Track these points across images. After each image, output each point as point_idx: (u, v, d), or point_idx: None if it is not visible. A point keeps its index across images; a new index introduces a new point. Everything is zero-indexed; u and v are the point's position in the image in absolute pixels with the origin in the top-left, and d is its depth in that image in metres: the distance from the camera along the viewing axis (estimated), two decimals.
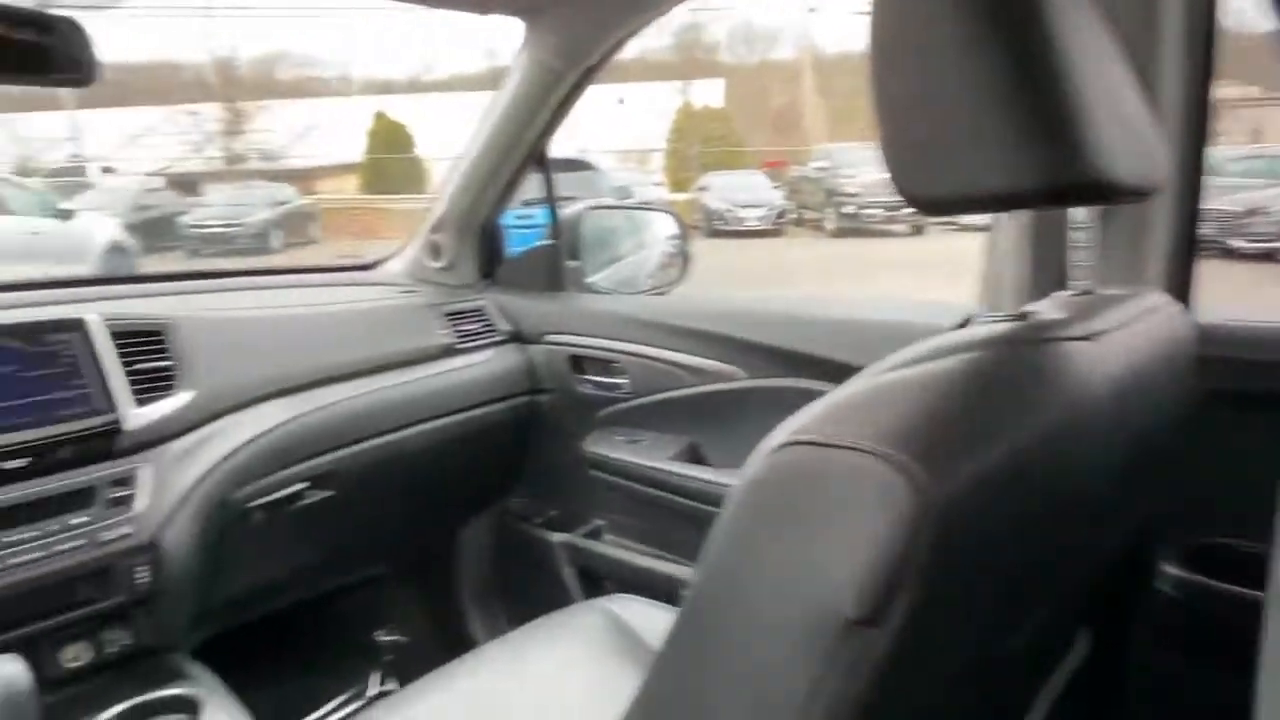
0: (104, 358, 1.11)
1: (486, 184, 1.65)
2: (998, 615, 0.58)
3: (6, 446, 1.00)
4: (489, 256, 1.76)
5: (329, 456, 1.35)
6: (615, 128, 25.14)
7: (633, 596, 1.29)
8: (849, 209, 14.37)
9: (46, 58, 0.92)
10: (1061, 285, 1.01)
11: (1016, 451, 0.55)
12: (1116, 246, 1.00)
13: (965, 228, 7.87)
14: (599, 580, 1.62)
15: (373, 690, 1.79)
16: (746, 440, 1.38)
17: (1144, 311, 0.75)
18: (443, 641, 1.87)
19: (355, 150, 22.47)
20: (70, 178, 18.32)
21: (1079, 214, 0.99)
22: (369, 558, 1.74)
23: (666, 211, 2.09)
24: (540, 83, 1.48)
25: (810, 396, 1.28)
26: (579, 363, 1.62)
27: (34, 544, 0.99)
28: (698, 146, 24.71)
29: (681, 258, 1.94)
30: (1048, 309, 0.72)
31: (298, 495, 1.32)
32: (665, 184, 21.31)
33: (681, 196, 18.36)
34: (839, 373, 1.26)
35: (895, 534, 0.47)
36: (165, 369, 1.17)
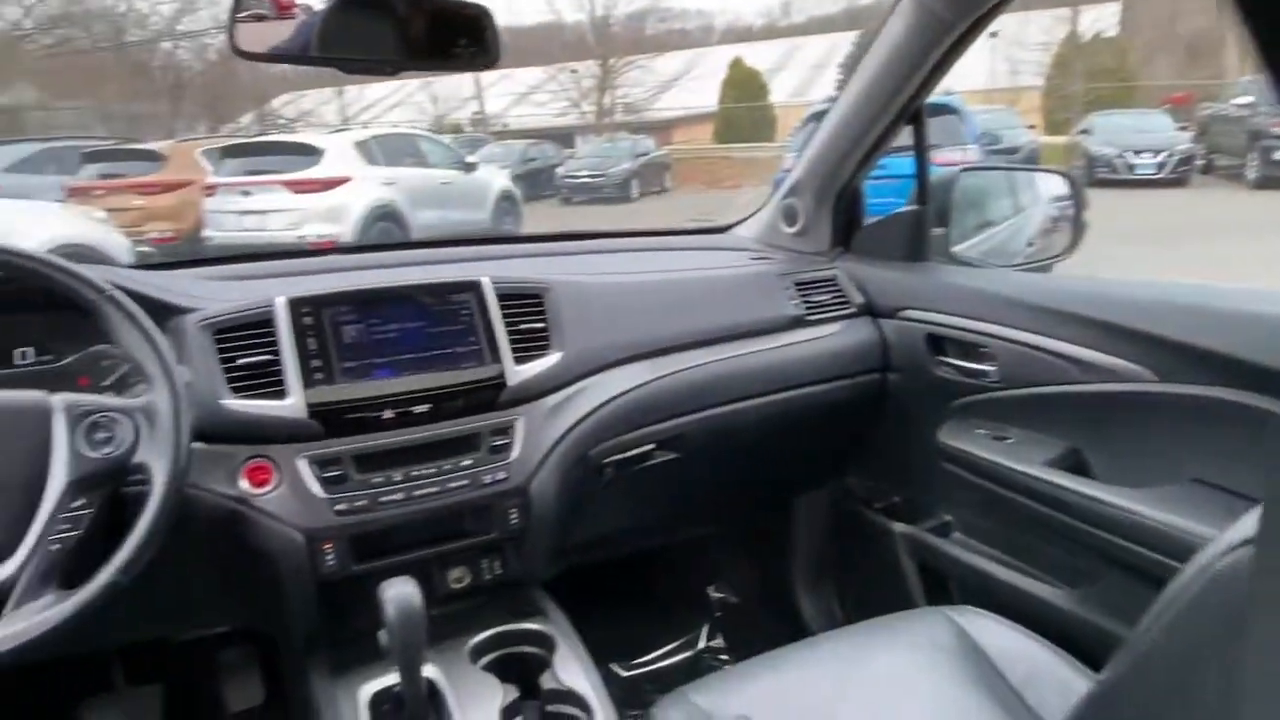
0: (494, 317, 1.22)
1: (852, 145, 1.55)
2: None
3: (416, 392, 1.14)
4: (846, 223, 1.66)
5: (677, 421, 1.38)
6: (985, 65, 23.02)
7: (982, 611, 1.16)
8: None
9: (457, 45, 1.00)
10: None
11: None
12: None
13: None
14: (943, 581, 1.49)
15: (701, 643, 1.85)
16: (1152, 457, 1.16)
17: None
18: (771, 608, 1.87)
19: (710, 100, 23.13)
20: (473, 132, 21.16)
21: None
22: (707, 518, 1.78)
23: (1056, 172, 1.82)
24: (923, 33, 1.33)
25: (1248, 414, 1.03)
26: (938, 342, 1.47)
27: (431, 480, 1.13)
28: (1080, 83, 21.76)
29: (1073, 225, 1.68)
30: None
31: (647, 455, 1.37)
32: (1039, 126, 19.13)
33: (1059, 140, 16.38)
34: None
35: None
36: (541, 330, 1.26)
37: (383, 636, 0.92)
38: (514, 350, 1.21)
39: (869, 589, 1.70)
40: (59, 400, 0.89)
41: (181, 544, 0.97)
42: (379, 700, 1.03)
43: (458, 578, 1.22)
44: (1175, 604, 0.49)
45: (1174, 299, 1.19)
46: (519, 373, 1.21)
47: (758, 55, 25.31)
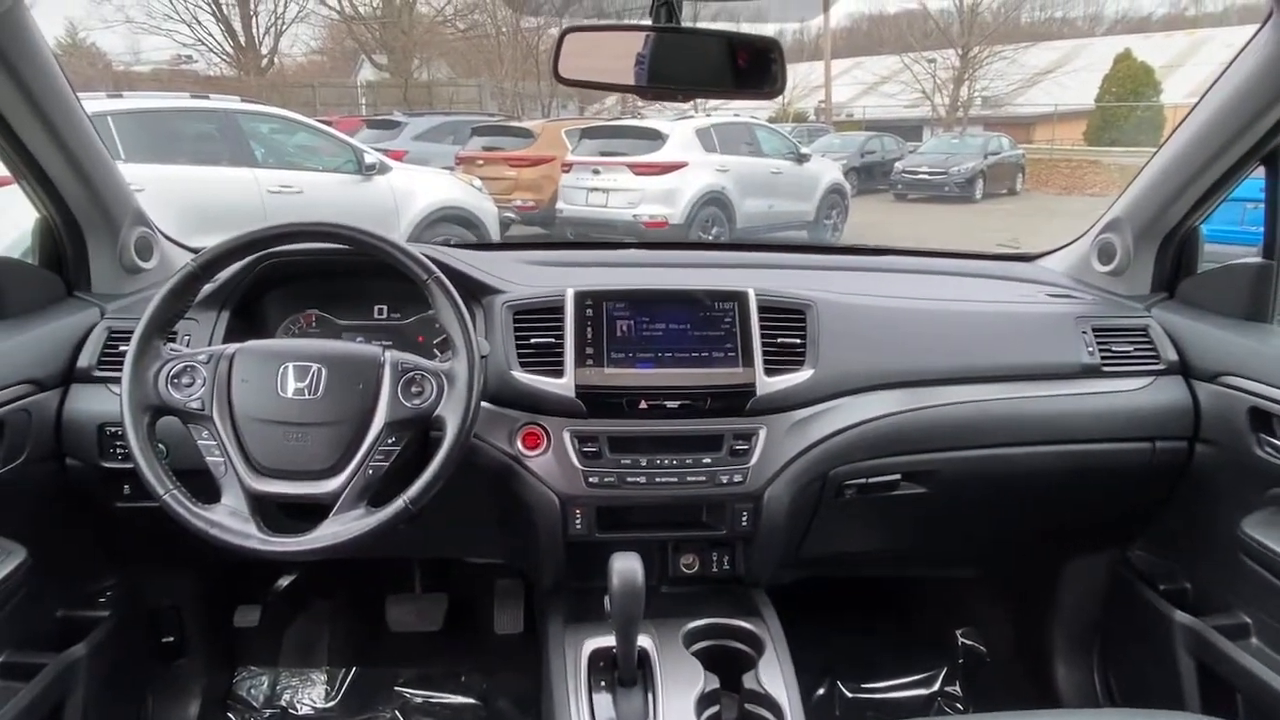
0: (753, 327, 1.28)
1: (1188, 181, 1.37)
2: None
3: (670, 388, 1.25)
4: (1174, 267, 1.47)
5: (931, 455, 1.34)
6: None
7: None
8: None
9: (749, 75, 1.07)
10: None
11: None
12: None
13: None
14: (1228, 691, 1.30)
15: (938, 685, 1.78)
16: None
17: None
18: (1022, 668, 1.74)
19: (1087, 97, 20.77)
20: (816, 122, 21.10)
21: None
22: (961, 560, 1.70)
23: None
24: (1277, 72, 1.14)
25: None
26: (1264, 419, 1.26)
27: (673, 470, 1.23)
28: None
29: None
30: None
31: (892, 485, 1.35)
32: None
33: None
34: None
35: None
36: (798, 345, 1.30)
37: (607, 602, 1.04)
38: (767, 361, 1.26)
39: (1136, 676, 1.52)
40: (390, 356, 1.11)
41: (468, 486, 1.16)
42: (597, 657, 1.15)
43: (689, 563, 1.32)
44: None
45: None
46: (769, 383, 1.26)
47: (1153, 48, 22.19)
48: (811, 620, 1.40)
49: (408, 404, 1.09)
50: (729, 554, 1.31)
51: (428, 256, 1.14)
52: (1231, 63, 1.25)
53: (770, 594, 1.31)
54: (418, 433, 1.12)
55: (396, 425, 1.08)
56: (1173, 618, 1.39)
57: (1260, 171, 1.33)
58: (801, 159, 9.70)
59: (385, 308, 1.42)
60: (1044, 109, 21.66)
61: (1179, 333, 1.41)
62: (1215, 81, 1.29)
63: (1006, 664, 1.77)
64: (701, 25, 1.07)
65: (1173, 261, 1.47)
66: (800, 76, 24.61)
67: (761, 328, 1.27)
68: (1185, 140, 1.35)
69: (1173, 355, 1.40)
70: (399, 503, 1.05)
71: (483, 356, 1.15)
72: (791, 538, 1.33)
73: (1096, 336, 1.40)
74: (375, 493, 1.07)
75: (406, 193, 6.28)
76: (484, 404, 1.20)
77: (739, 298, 1.29)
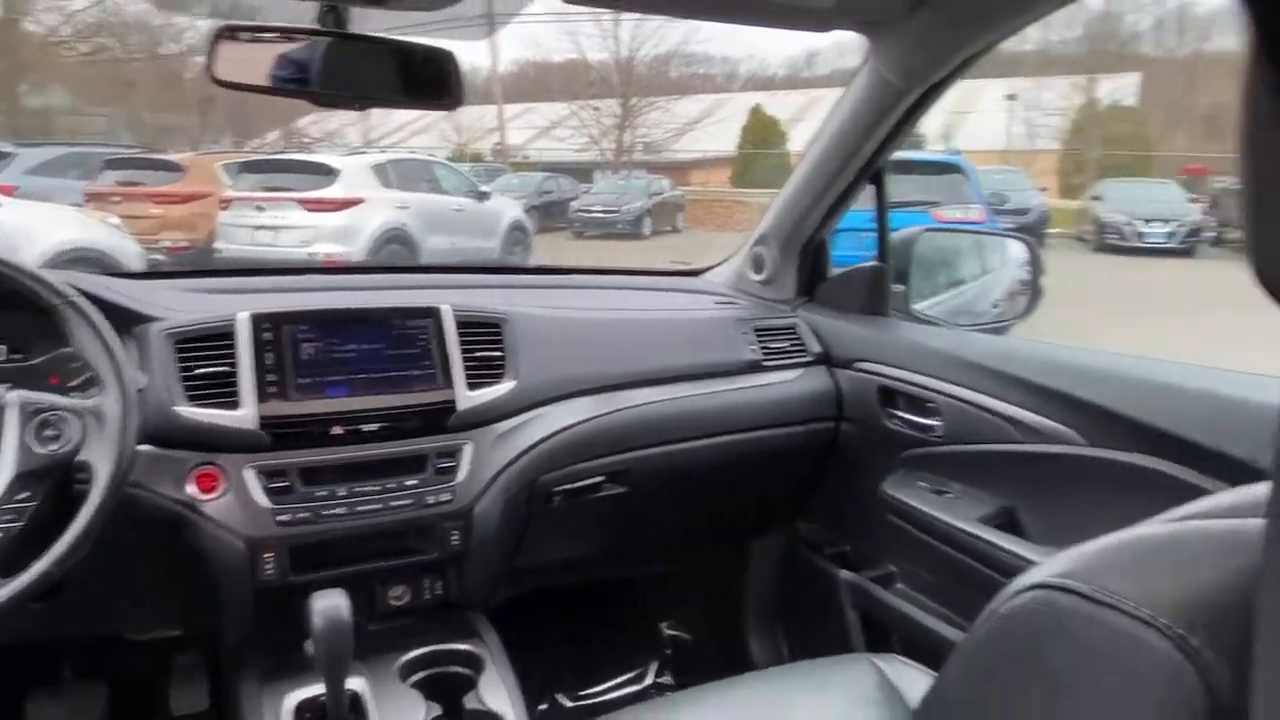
0: (450, 343, 1.26)
1: (815, 201, 1.60)
2: None
3: (367, 411, 1.19)
4: (810, 274, 1.71)
5: (627, 455, 1.41)
6: (1002, 126, 23.22)
7: (910, 662, 1.18)
8: None
9: (423, 86, 1.06)
10: None
11: None
12: None
13: None
14: (885, 632, 1.51)
15: (650, 679, 1.86)
16: (1078, 517, 1.18)
17: None
18: (721, 648, 1.88)
19: (730, 144, 23.40)
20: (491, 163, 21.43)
21: None
22: (659, 554, 1.80)
23: (1018, 237, 1.87)
24: (879, 99, 1.39)
25: (1169, 483, 1.05)
26: (889, 395, 1.51)
27: (375, 497, 1.17)
28: (1097, 149, 21.94)
29: (1031, 290, 1.73)
30: None
31: (596, 487, 1.40)
32: (1051, 189, 19.26)
33: (1071, 204, 16.50)
34: (1211, 462, 1.02)
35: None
36: (497, 358, 1.30)
37: (309, 646, 0.95)
38: (468, 376, 1.26)
39: (814, 633, 1.72)
40: (14, 396, 0.93)
41: (126, 543, 1.01)
42: (303, 709, 1.05)
43: (397, 595, 1.25)
44: (964, 650, 0.52)
45: (1105, 366, 1.23)
46: (470, 398, 1.25)
47: (778, 104, 25.66)
48: (531, 635, 1.40)
49: (41, 450, 0.92)
50: (441, 579, 1.27)
51: (61, 281, 0.98)
52: (840, 100, 1.48)
53: (489, 616, 1.30)
54: (56, 484, 0.95)
55: (29, 477, 0.91)
56: (838, 576, 1.59)
57: (867, 203, 1.60)
58: (482, 196, 9.81)
59: (3, 348, 1.19)
60: (697, 154, 24.08)
61: (820, 328, 1.64)
62: (829, 115, 1.53)
63: (706, 645, 1.91)
64: (371, 33, 1.05)
65: (810, 269, 1.70)
66: (474, 119, 24.93)
67: (460, 343, 1.26)
68: (811, 165, 1.57)
69: (817, 348, 1.62)
70: (39, 567, 0.88)
71: (139, 390, 1.01)
72: (505, 551, 1.32)
73: (758, 336, 1.58)
74: (8, 560, 0.89)
75: (21, 233, 5.34)
76: (143, 447, 1.05)
77: (434, 314, 1.27)
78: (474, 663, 1.18)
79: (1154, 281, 10.90)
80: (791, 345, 1.60)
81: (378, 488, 1.17)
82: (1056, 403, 1.24)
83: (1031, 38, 24.24)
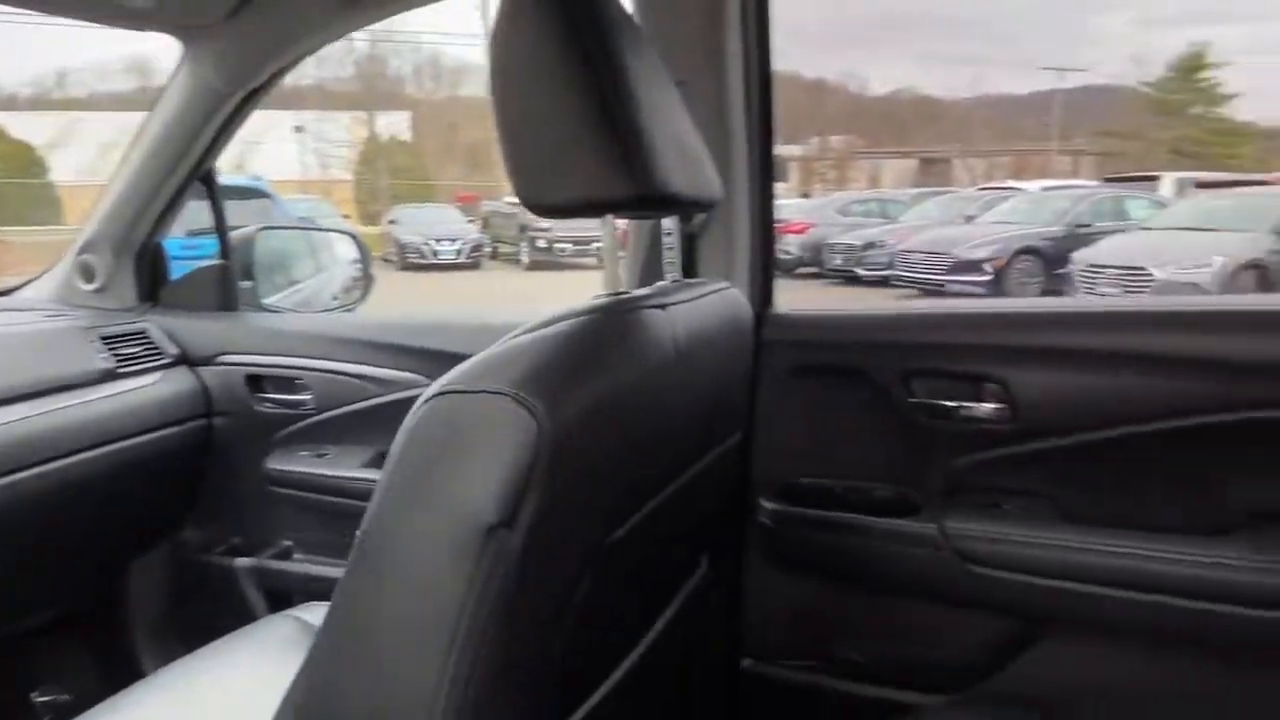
0: None
1: (145, 204, 1.59)
2: (611, 516, 0.75)
3: None
4: (150, 278, 1.68)
5: None
6: (295, 156, 23.70)
7: (325, 603, 1.32)
8: (541, 243, 14.87)
9: None
10: (660, 278, 1.24)
11: (617, 391, 0.72)
12: (712, 252, 1.26)
13: None
14: (289, 599, 1.61)
15: None
16: None
17: (709, 293, 0.99)
18: (118, 689, 1.72)
19: None
20: None
21: (669, 224, 1.23)
22: (30, 604, 1.57)
23: (345, 233, 2.13)
24: (201, 102, 1.47)
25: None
26: (257, 382, 1.61)
27: None
28: (386, 179, 24.16)
29: (364, 279, 2.00)
30: (641, 291, 0.92)
31: None
32: (353, 216, 20.52)
33: (373, 230, 17.85)
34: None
35: (521, 454, 0.62)
36: None
37: None
38: None
39: (220, 633, 1.71)
40: None
41: None
42: None
43: None
44: (387, 472, 0.71)
45: (433, 320, 1.55)
46: None
47: (27, 127, 21.75)
48: None
49: None
50: None
51: None
52: (160, 103, 1.51)
53: None
54: None
55: None
56: (235, 568, 1.62)
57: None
58: None
59: None
60: None
61: (174, 330, 1.63)
62: (148, 118, 1.53)
63: (101, 699, 1.72)
64: None
65: (150, 272, 1.67)
66: None
67: None
68: (135, 168, 1.56)
69: (174, 349, 1.61)
70: None
71: None
72: None
73: (106, 344, 1.50)
74: None
75: None
76: None
77: None
78: None
79: (453, 287, 12.70)
80: (145, 350, 1.57)
81: None
82: (404, 355, 1.52)
83: (310, 74, 25.34)
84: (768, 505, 1.26)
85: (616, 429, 0.72)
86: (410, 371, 1.51)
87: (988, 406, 1.15)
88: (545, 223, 14.87)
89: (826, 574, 1.28)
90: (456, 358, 0.70)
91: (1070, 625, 1.12)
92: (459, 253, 15.52)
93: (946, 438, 1.19)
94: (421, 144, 29.22)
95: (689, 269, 1.25)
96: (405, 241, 15.45)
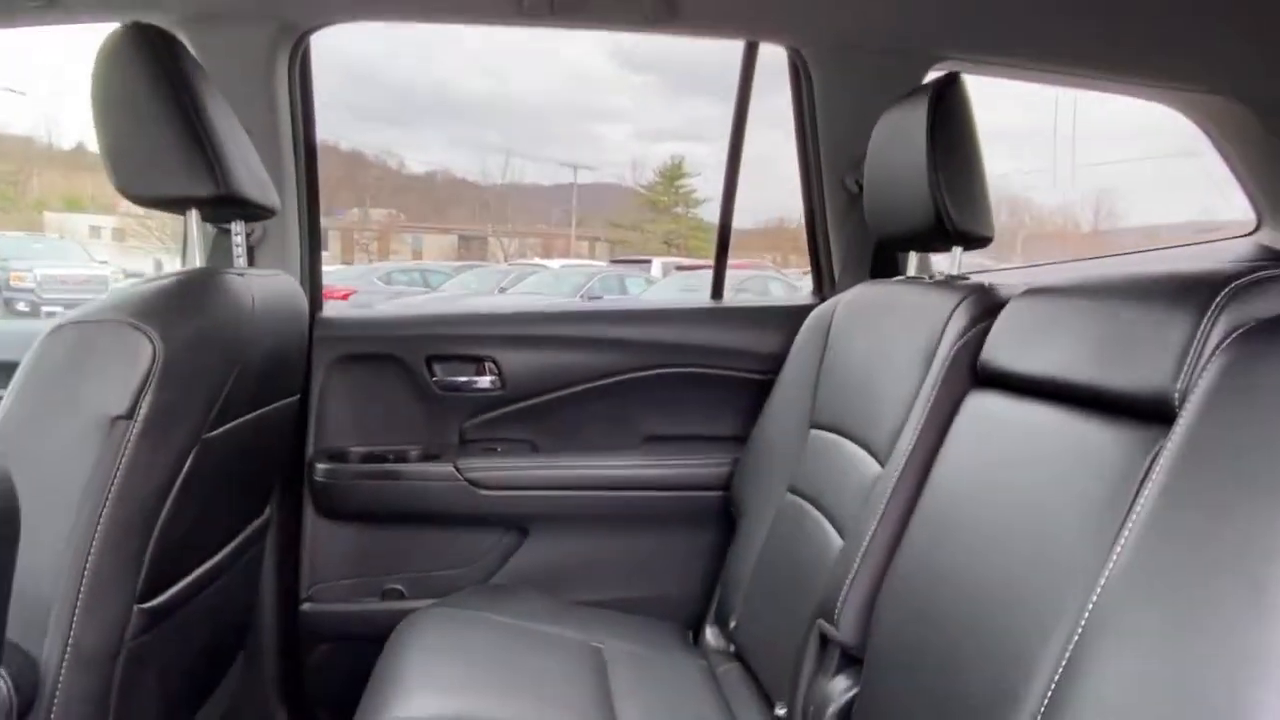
0: None
1: None
2: (207, 421, 1.00)
3: None
4: None
5: None
6: None
7: None
8: (22, 305, 12.51)
9: None
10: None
11: (213, 325, 1.00)
12: (271, 263, 1.53)
13: None
14: None
15: None
16: None
17: (271, 276, 1.28)
18: None
19: None
20: None
21: (239, 239, 1.49)
22: None
23: None
24: None
25: None
26: None
27: None
28: None
29: None
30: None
31: None
32: None
33: None
34: None
35: (141, 364, 0.87)
36: None
37: None
38: None
39: None
40: None
41: None
42: None
43: None
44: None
45: None
46: None
47: None
48: None
49: None
50: None
51: None
52: None
53: None
54: None
55: None
56: None
57: None
58: None
59: None
60: None
61: None
62: None
63: None
64: None
65: None
66: None
67: None
68: None
69: None
70: None
71: None
72: None
73: None
74: None
75: None
76: None
77: None
78: None
79: None
80: None
81: None
82: None
83: None
84: (322, 466, 1.55)
85: (212, 355, 1.00)
86: None
87: (486, 380, 1.61)
88: (31, 282, 12.62)
89: (373, 518, 1.60)
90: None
91: (548, 522, 1.60)
92: None
93: (459, 404, 1.62)
94: None
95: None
96: None
